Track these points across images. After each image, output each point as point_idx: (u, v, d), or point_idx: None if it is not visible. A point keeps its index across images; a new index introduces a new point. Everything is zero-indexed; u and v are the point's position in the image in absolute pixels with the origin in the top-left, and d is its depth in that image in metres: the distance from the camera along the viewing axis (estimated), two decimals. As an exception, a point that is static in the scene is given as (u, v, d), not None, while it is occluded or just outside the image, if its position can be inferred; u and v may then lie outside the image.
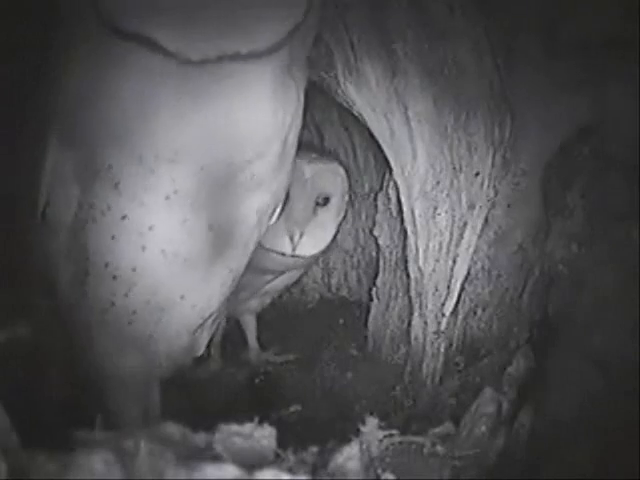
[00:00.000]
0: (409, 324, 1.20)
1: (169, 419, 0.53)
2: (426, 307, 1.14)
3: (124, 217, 0.76)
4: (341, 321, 1.57)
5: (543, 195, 1.12)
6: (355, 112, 1.12)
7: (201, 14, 0.69)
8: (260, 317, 1.49)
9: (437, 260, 1.12)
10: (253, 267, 0.97)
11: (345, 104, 1.12)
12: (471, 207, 1.09)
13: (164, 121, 0.72)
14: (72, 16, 0.72)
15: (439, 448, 0.71)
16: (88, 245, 0.79)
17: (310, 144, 1.51)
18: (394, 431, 0.65)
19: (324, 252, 1.31)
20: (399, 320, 1.28)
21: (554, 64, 1.03)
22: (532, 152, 1.10)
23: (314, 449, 0.56)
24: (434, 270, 1.12)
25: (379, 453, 0.63)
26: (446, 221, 1.10)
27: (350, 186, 1.31)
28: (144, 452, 0.45)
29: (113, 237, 0.77)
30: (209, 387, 1.31)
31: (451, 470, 0.69)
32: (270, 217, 0.91)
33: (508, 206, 1.13)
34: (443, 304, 1.13)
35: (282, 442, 0.54)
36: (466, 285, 1.14)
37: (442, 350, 1.15)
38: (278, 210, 0.94)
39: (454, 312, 1.14)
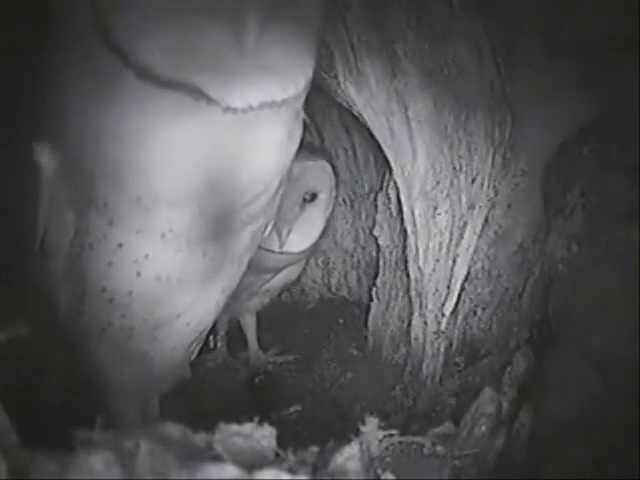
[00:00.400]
0: (409, 324, 1.20)
1: (169, 419, 0.53)
2: (426, 307, 1.14)
3: (120, 245, 0.76)
4: (341, 321, 1.57)
5: (543, 195, 1.12)
6: (355, 112, 1.12)
7: (240, 61, 0.67)
8: (260, 317, 1.50)
9: (437, 260, 1.12)
10: (249, 267, 0.98)
11: (345, 104, 1.12)
12: (471, 207, 1.09)
13: (172, 166, 0.71)
14: (87, 55, 0.69)
15: (439, 448, 0.71)
16: (85, 270, 0.80)
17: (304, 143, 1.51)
18: (394, 431, 0.65)
19: (313, 247, 1.31)
20: (399, 320, 1.28)
21: (554, 64, 1.03)
22: (532, 152, 1.10)
23: (314, 449, 0.56)
24: (434, 270, 1.12)
25: (379, 453, 0.63)
26: (446, 221, 1.10)
27: (338, 182, 1.32)
28: (144, 452, 0.45)
29: (109, 263, 0.78)
30: (209, 387, 1.32)
31: (451, 470, 0.69)
32: (263, 234, 0.91)
33: (508, 206, 1.13)
34: (443, 304, 1.13)
35: (282, 442, 0.54)
36: (466, 285, 1.14)
37: (442, 350, 1.15)
38: (270, 226, 0.94)
39: (454, 312, 1.14)
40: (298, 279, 1.61)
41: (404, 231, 1.16)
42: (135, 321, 0.83)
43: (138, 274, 0.78)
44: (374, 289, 1.34)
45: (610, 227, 0.96)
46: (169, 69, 0.66)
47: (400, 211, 1.16)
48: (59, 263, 0.82)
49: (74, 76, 0.71)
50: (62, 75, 0.73)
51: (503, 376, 0.91)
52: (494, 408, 0.76)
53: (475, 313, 1.16)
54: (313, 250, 1.36)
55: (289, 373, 1.37)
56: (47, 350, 0.96)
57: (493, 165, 1.09)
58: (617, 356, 0.78)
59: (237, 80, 0.68)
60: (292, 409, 1.19)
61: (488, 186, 1.09)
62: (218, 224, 0.78)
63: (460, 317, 1.15)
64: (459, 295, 1.13)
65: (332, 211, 1.33)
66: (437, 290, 1.13)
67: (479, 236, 1.11)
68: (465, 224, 1.10)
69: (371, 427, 0.61)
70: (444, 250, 1.11)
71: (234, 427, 0.52)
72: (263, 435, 0.53)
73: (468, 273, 1.13)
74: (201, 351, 1.00)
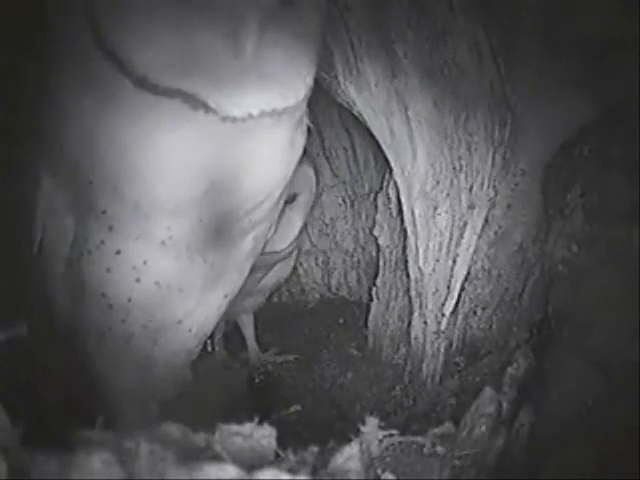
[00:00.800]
0: (409, 324, 1.20)
1: (169, 419, 0.53)
2: (426, 307, 1.14)
3: (118, 252, 0.76)
4: (341, 321, 1.57)
5: (543, 195, 1.12)
6: (355, 112, 1.12)
7: (239, 69, 0.67)
8: (260, 317, 1.50)
9: (437, 260, 1.12)
10: None
11: (345, 104, 1.12)
12: (471, 207, 1.09)
13: (170, 173, 0.70)
14: (84, 62, 0.68)
15: (439, 448, 0.71)
16: (84, 276, 0.79)
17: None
18: (394, 431, 0.65)
19: (294, 245, 1.34)
20: (399, 320, 1.28)
21: (554, 64, 1.03)
22: (532, 152, 1.10)
23: (314, 449, 0.56)
24: (434, 270, 1.12)
25: (379, 453, 0.63)
26: (446, 221, 1.10)
27: (318, 180, 1.34)
28: (144, 452, 0.45)
29: (108, 269, 0.77)
30: (209, 387, 1.31)
31: (451, 470, 0.69)
32: (265, 238, 0.91)
33: (508, 206, 1.13)
34: (443, 304, 1.13)
35: (282, 442, 0.54)
36: (466, 285, 1.14)
37: (442, 350, 1.15)
38: (272, 231, 0.94)
39: (454, 312, 1.14)
40: (298, 279, 1.62)
41: (404, 231, 1.16)
42: (135, 327, 0.82)
43: (137, 280, 0.78)
44: (374, 289, 1.34)
45: (610, 227, 0.95)
46: (166, 77, 0.65)
47: (400, 211, 1.16)
48: (58, 268, 0.82)
49: (71, 82, 0.71)
50: (59, 81, 0.72)
51: (503, 376, 0.91)
52: (494, 408, 0.76)
53: (475, 313, 1.16)
54: (296, 247, 1.38)
55: (289, 373, 1.37)
56: (47, 352, 0.96)
57: (493, 165, 1.09)
58: (617, 356, 0.78)
59: (236, 89, 0.67)
60: (292, 409, 1.19)
61: (488, 186, 1.09)
62: (219, 231, 0.78)
63: (460, 317, 1.15)
64: (459, 295, 1.13)
65: (312, 207, 1.36)
66: (437, 290, 1.13)
67: (479, 236, 1.11)
68: (465, 224, 1.10)
69: (371, 427, 0.61)
70: (444, 250, 1.11)
71: (234, 427, 0.52)
72: (263, 435, 0.53)
73: (468, 273, 1.13)
74: (200, 354, 1.00)
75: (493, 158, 1.08)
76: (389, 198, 1.27)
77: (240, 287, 0.92)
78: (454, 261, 1.11)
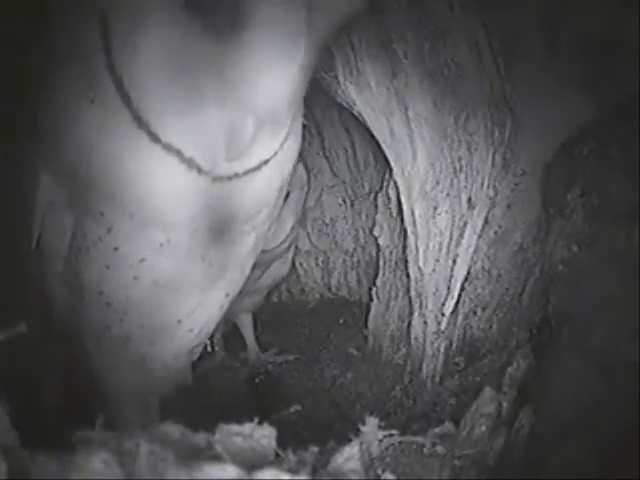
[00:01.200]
0: (409, 324, 1.20)
1: (169, 419, 0.53)
2: (426, 307, 1.14)
3: (116, 249, 0.76)
4: (341, 321, 1.58)
5: (543, 195, 1.12)
6: (355, 112, 1.12)
7: (235, 145, 0.69)
8: (260, 317, 1.50)
9: (437, 260, 1.12)
10: None
11: (345, 104, 1.12)
12: (471, 207, 1.09)
13: (170, 196, 0.72)
14: (91, 74, 0.68)
15: (439, 448, 0.71)
16: (82, 273, 0.79)
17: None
18: (394, 431, 0.65)
19: (287, 242, 1.35)
20: (399, 320, 1.28)
21: (554, 64, 1.03)
22: (532, 152, 1.10)
23: (314, 449, 0.55)
24: (434, 270, 1.12)
25: (379, 453, 0.63)
26: (446, 221, 1.10)
27: (309, 177, 1.36)
28: (144, 452, 0.45)
29: (107, 267, 0.77)
30: (209, 387, 1.32)
31: (451, 470, 0.69)
32: (265, 236, 0.91)
33: (508, 206, 1.13)
34: (443, 304, 1.13)
35: (282, 442, 0.54)
36: (466, 285, 1.13)
37: (442, 350, 1.15)
38: (273, 228, 0.94)
39: (454, 312, 1.14)
40: (298, 279, 1.62)
41: (404, 231, 1.15)
42: (133, 326, 0.82)
43: (135, 278, 0.77)
44: (374, 289, 1.34)
45: (610, 227, 0.95)
46: (168, 133, 0.67)
47: (400, 211, 1.16)
48: (56, 265, 0.82)
49: (74, 88, 0.71)
50: (61, 83, 0.72)
51: (503, 376, 0.91)
52: (494, 408, 0.76)
53: (475, 313, 1.16)
54: (292, 245, 1.39)
55: (289, 373, 1.37)
56: (46, 351, 0.96)
57: (493, 165, 1.08)
58: (617, 356, 0.78)
59: (227, 157, 0.70)
60: (292, 409, 1.19)
61: (488, 186, 1.09)
62: (218, 233, 0.78)
63: (460, 317, 1.15)
64: (459, 295, 1.13)
65: (303, 204, 1.38)
66: (437, 290, 1.13)
67: (479, 236, 1.11)
68: (465, 224, 1.10)
69: (371, 427, 0.61)
70: (444, 250, 1.11)
71: (234, 427, 0.52)
72: (263, 435, 0.53)
73: (468, 273, 1.13)
74: (200, 354, 1.00)
75: (493, 158, 1.08)
76: (389, 198, 1.27)
77: (242, 286, 0.91)
78: (454, 261, 1.11)
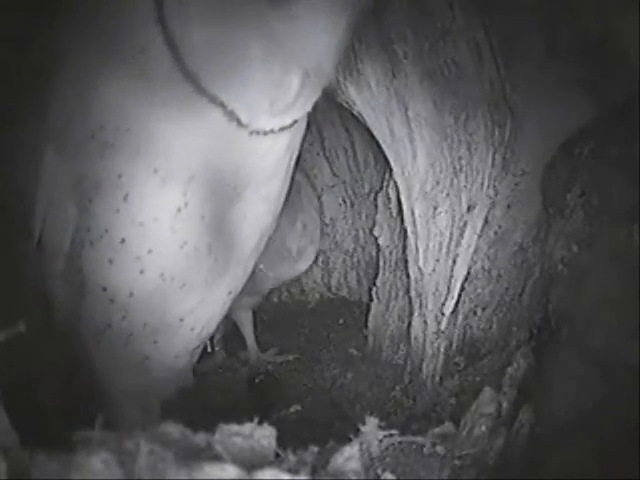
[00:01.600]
0: (409, 324, 1.20)
1: (169, 419, 0.53)
2: (426, 307, 1.14)
3: (122, 240, 0.75)
4: (341, 321, 1.57)
5: (543, 195, 1.12)
6: (355, 112, 1.11)
7: (283, 91, 0.72)
8: (260, 317, 1.50)
9: (437, 260, 1.12)
10: None
11: (345, 104, 1.12)
12: (471, 207, 1.09)
13: (186, 148, 0.73)
14: (135, 32, 0.70)
15: (439, 448, 0.71)
16: (84, 270, 0.79)
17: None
18: (394, 431, 0.65)
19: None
20: (399, 320, 1.28)
21: (554, 64, 1.03)
22: (532, 152, 1.10)
23: (314, 449, 0.55)
24: (434, 270, 1.12)
25: (379, 453, 0.63)
26: (446, 221, 1.10)
27: (321, 206, 1.42)
28: (144, 452, 0.45)
29: (111, 261, 0.77)
30: (209, 387, 1.31)
31: (451, 470, 0.69)
32: (268, 235, 0.92)
33: (508, 206, 1.13)
34: (443, 304, 1.13)
35: (282, 442, 0.54)
36: (466, 285, 1.13)
37: (442, 350, 1.15)
38: (275, 225, 0.95)
39: (454, 312, 1.14)
40: (298, 279, 1.61)
41: (404, 231, 1.15)
42: (135, 324, 0.81)
43: (141, 272, 0.77)
44: (374, 289, 1.34)
45: (610, 227, 0.95)
46: (216, 86, 0.69)
47: (400, 211, 1.16)
48: (57, 264, 0.81)
49: (120, 41, 0.71)
50: (105, 37, 0.73)
51: (503, 376, 0.91)
52: (494, 408, 0.76)
53: (475, 313, 1.16)
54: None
55: (289, 373, 1.37)
56: (46, 351, 0.96)
57: (493, 165, 1.08)
58: (617, 356, 0.78)
59: (272, 112, 0.73)
60: (292, 409, 1.19)
61: (488, 186, 1.09)
62: (232, 201, 0.80)
63: (460, 317, 1.15)
64: (459, 295, 1.13)
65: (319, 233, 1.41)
66: (437, 290, 1.13)
67: (479, 236, 1.11)
68: (465, 224, 1.10)
69: (371, 427, 0.61)
70: (444, 250, 1.11)
71: (234, 427, 0.52)
72: (263, 435, 0.53)
73: (468, 273, 1.13)
74: (200, 355, 1.00)
75: (493, 158, 1.08)
76: (389, 198, 1.27)
77: (243, 284, 0.91)
78: (454, 261, 1.11)
